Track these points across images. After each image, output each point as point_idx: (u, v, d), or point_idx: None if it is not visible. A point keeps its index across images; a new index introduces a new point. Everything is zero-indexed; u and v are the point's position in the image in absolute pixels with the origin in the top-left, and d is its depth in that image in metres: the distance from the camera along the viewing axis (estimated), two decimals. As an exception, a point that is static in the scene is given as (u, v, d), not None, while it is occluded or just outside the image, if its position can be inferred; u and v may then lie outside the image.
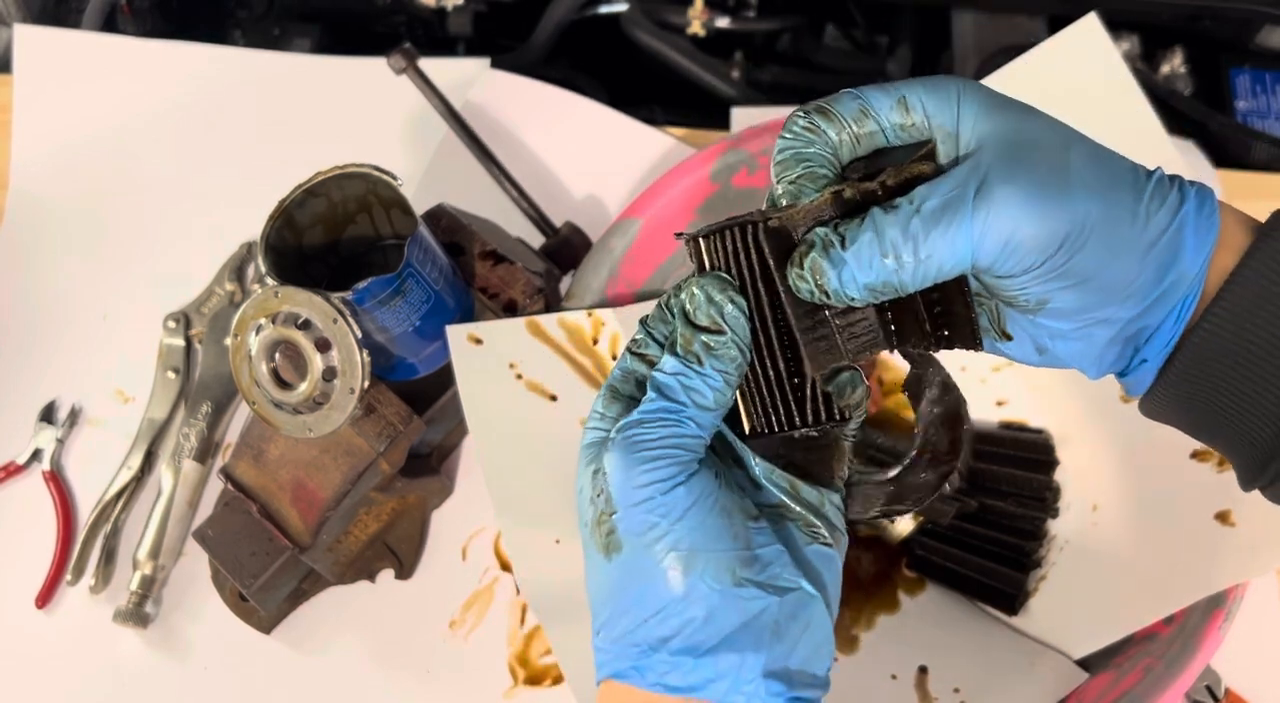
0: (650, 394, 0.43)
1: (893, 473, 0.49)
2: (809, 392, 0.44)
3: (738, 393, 0.44)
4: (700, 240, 0.44)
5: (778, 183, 0.43)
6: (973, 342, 0.43)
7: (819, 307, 0.43)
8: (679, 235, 0.45)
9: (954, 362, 0.75)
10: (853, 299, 0.41)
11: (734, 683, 0.41)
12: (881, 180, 0.42)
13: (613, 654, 0.42)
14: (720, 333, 0.42)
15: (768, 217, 0.42)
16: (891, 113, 0.43)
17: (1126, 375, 0.45)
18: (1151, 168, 0.42)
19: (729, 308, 0.43)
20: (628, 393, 0.45)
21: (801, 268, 0.41)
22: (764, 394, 0.44)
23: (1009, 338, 0.45)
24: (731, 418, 0.45)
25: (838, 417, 0.44)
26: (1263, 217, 0.43)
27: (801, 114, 0.43)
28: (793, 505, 0.44)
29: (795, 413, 0.44)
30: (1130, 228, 0.41)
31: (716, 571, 0.41)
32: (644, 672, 0.41)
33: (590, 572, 0.44)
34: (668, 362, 0.43)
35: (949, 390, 0.50)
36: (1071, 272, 0.41)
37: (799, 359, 0.43)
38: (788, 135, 0.43)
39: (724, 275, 0.43)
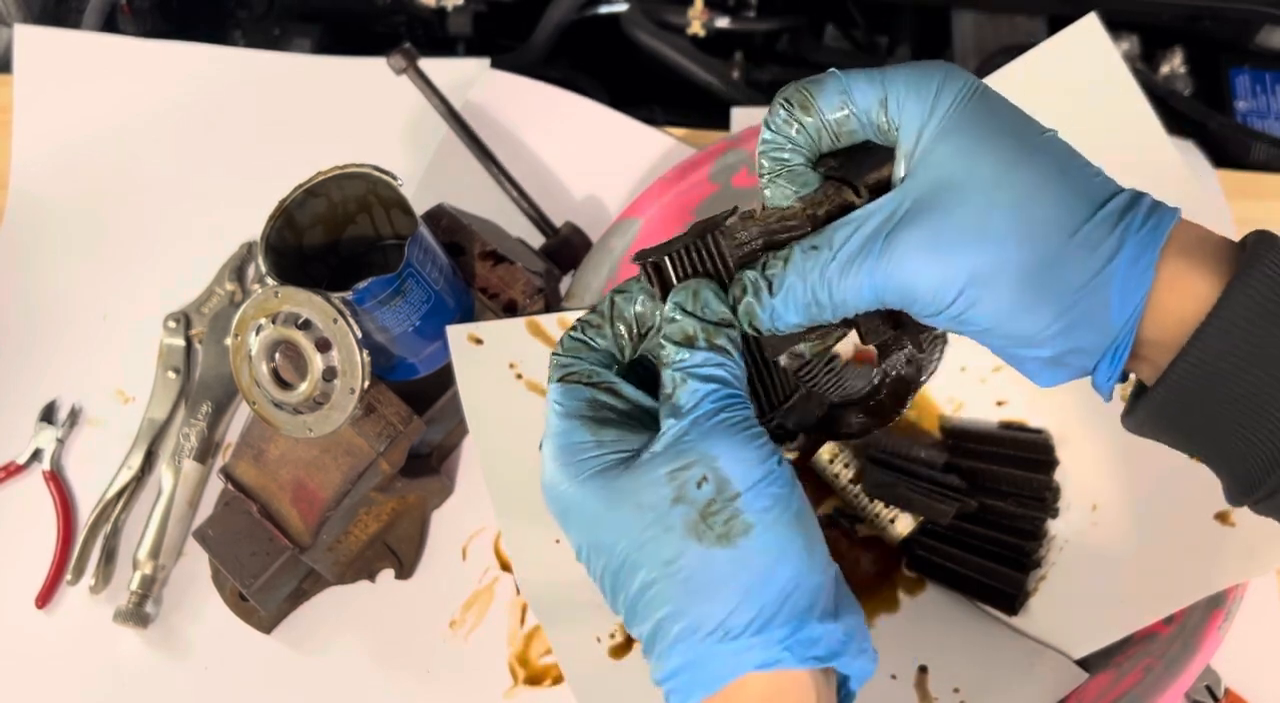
0: (706, 386, 0.42)
1: (837, 399, 0.52)
2: (775, 374, 0.47)
3: None
4: (667, 258, 0.45)
5: (760, 176, 0.46)
6: (914, 346, 0.47)
7: None
8: (635, 259, 0.46)
9: (954, 362, 0.76)
10: (785, 330, 0.44)
11: (859, 642, 0.41)
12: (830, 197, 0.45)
13: (754, 643, 0.40)
14: (733, 326, 0.44)
15: (723, 223, 0.45)
16: (873, 112, 0.43)
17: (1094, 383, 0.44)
18: (1109, 195, 0.41)
19: (725, 306, 0.44)
20: (610, 419, 0.44)
21: (735, 309, 0.44)
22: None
23: None
24: None
25: (802, 389, 0.48)
26: (1257, 224, 0.43)
27: (783, 105, 0.44)
28: None
29: (774, 395, 0.47)
30: (1040, 283, 0.40)
31: (820, 536, 0.42)
32: (795, 649, 0.40)
33: (695, 569, 0.41)
34: (700, 356, 0.43)
35: (913, 363, 0.52)
36: (969, 321, 0.41)
37: (761, 347, 0.46)
38: (770, 128, 0.45)
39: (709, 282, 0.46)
